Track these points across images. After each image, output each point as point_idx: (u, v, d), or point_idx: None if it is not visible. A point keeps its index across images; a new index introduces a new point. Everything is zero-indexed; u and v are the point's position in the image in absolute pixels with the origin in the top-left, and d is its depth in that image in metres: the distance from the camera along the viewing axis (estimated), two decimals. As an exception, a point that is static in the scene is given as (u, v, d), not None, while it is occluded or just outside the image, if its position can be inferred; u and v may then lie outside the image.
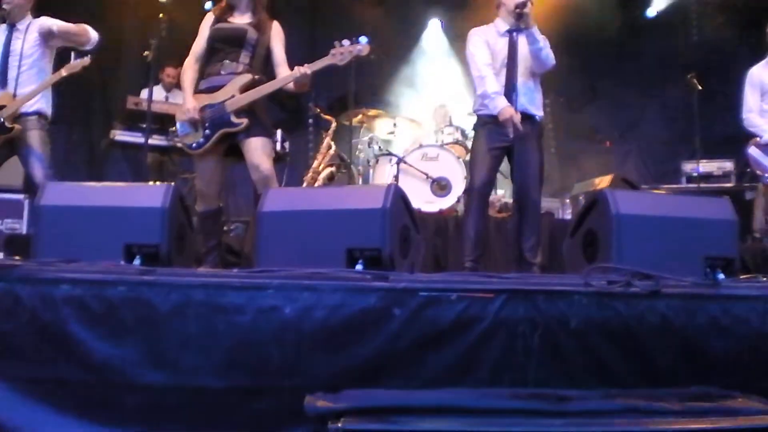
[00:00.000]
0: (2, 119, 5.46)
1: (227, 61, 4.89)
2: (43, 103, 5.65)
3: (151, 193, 3.97)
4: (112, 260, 3.62)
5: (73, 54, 5.70)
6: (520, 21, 5.12)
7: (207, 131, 4.82)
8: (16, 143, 5.55)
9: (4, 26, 5.74)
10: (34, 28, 5.70)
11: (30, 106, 5.58)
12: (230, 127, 4.78)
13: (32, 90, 5.56)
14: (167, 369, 3.00)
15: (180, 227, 4.07)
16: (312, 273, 3.10)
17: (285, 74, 4.90)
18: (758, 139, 6.35)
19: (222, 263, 5.05)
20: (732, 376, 2.97)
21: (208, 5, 9.71)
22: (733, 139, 8.50)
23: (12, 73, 5.61)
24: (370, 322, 2.93)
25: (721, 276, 3.54)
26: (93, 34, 5.67)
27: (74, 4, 8.70)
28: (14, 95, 5.54)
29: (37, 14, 5.76)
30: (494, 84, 5.20)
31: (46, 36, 5.67)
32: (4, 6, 5.66)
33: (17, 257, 4.09)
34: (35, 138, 5.56)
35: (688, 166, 8.73)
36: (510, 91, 5.11)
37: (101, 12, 9.51)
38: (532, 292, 2.98)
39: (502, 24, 5.38)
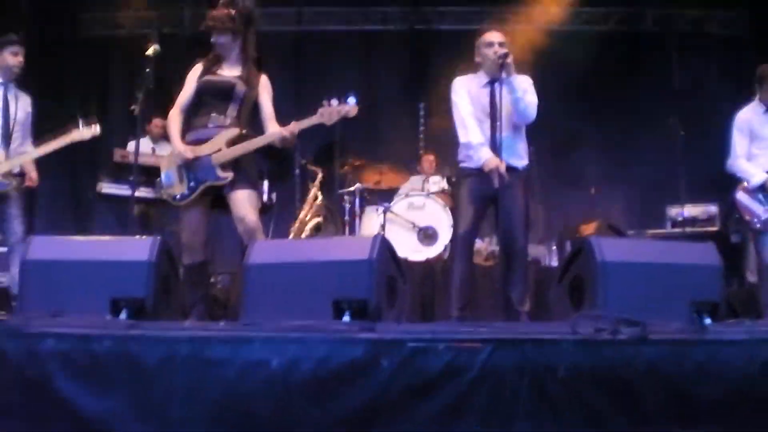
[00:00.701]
0: None
1: (214, 114, 4.89)
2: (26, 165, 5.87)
3: (138, 247, 3.98)
4: (99, 314, 3.61)
5: (81, 121, 5.88)
6: (503, 70, 5.16)
7: (192, 183, 4.82)
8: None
9: None
10: (24, 102, 5.98)
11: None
12: (216, 181, 4.78)
13: (35, 151, 5.84)
14: (155, 422, 2.99)
15: (166, 280, 4.07)
16: (299, 325, 3.09)
17: (273, 128, 4.90)
18: (746, 184, 6.20)
19: (208, 316, 5.02)
20: (720, 421, 2.97)
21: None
22: (717, 182, 8.56)
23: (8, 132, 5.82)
24: (358, 373, 2.92)
25: (708, 321, 3.56)
26: None
27: (62, 55, 8.79)
28: (7, 154, 5.74)
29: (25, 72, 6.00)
30: (477, 134, 5.23)
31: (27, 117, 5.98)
32: (16, 70, 5.89)
33: (3, 311, 4.08)
34: (16, 198, 5.77)
35: (673, 211, 8.78)
36: (493, 143, 5.14)
37: (88, 64, 9.61)
38: (519, 341, 2.99)
39: (483, 75, 5.41)
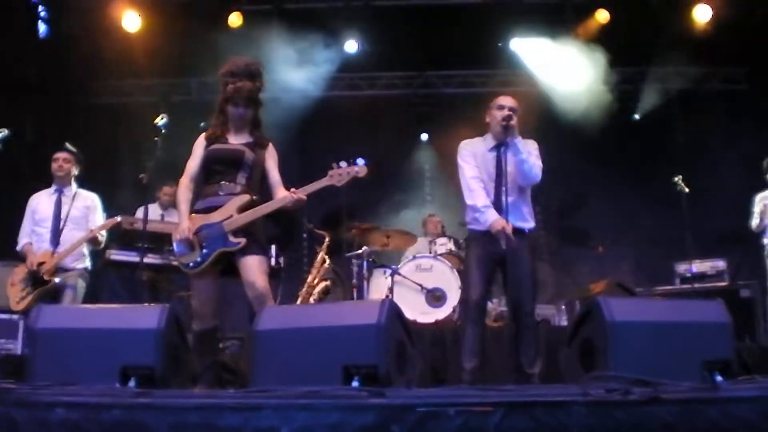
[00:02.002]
0: (42, 273, 6.12)
1: (224, 183, 4.92)
2: (88, 260, 6.49)
3: (146, 315, 3.97)
4: (108, 382, 3.60)
5: (104, 215, 6.58)
6: (506, 132, 5.22)
7: (205, 251, 4.83)
8: (59, 293, 6.24)
9: (51, 191, 6.52)
10: (81, 201, 6.52)
11: (78, 263, 6.38)
12: (228, 247, 4.79)
13: (67, 249, 6.25)
14: (164, 493, 2.95)
15: (175, 348, 4.06)
16: (308, 392, 3.07)
17: (281, 194, 4.94)
18: None
19: (218, 382, 5.00)
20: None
21: (202, 125, 9.96)
22: (724, 238, 8.58)
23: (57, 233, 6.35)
24: (369, 440, 2.90)
25: (720, 378, 3.53)
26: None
27: (71, 123, 8.91)
28: (53, 252, 6.22)
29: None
30: (483, 197, 5.27)
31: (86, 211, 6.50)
32: (58, 173, 6.45)
33: (12, 380, 4.06)
34: (78, 285, 6.35)
35: (682, 267, 8.77)
36: (498, 206, 5.18)
37: (97, 134, 9.72)
38: (531, 404, 2.96)
39: (490, 139, 5.48)
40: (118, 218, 6.46)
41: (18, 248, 6.43)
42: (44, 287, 6.11)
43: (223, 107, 5.07)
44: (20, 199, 6.64)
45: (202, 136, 5.12)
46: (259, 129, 5.13)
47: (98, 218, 6.55)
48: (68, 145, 6.55)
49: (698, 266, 8.57)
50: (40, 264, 6.15)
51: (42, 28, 10.19)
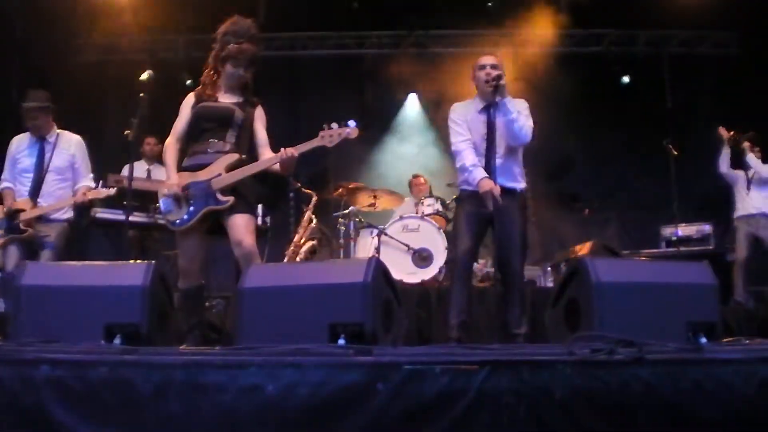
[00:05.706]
0: (18, 222, 5.99)
1: (213, 140, 4.88)
2: (72, 212, 6.31)
3: (132, 272, 3.95)
4: (93, 340, 3.59)
5: (100, 182, 6.39)
6: (496, 93, 5.19)
7: (191, 208, 4.80)
8: (37, 249, 6.09)
9: (33, 139, 6.28)
10: (65, 145, 6.32)
11: (62, 214, 6.21)
12: (216, 205, 4.76)
13: (53, 204, 6.13)
14: (149, 449, 2.95)
15: (161, 305, 4.05)
16: (294, 349, 3.08)
17: (267, 155, 4.91)
18: None
19: (204, 340, 5.00)
20: (719, 442, 2.95)
21: (188, 82, 9.87)
22: (711, 202, 8.60)
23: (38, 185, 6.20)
24: (354, 398, 2.90)
25: (704, 340, 3.54)
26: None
27: (56, 81, 8.81)
28: (36, 203, 6.09)
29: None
30: (471, 157, 5.26)
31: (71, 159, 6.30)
32: (30, 125, 6.22)
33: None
34: (56, 234, 6.12)
35: (667, 231, 8.81)
36: (488, 167, 5.16)
37: (83, 89, 9.62)
38: (516, 363, 2.97)
39: (479, 100, 5.45)
40: (113, 191, 6.32)
41: None
42: (18, 236, 5.99)
43: (217, 66, 5.01)
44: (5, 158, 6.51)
45: (191, 94, 5.06)
46: (249, 90, 5.08)
47: (85, 168, 6.38)
48: (35, 94, 6.29)
49: (684, 230, 8.61)
50: (19, 211, 6.03)
51: (25, -17, 10.03)
